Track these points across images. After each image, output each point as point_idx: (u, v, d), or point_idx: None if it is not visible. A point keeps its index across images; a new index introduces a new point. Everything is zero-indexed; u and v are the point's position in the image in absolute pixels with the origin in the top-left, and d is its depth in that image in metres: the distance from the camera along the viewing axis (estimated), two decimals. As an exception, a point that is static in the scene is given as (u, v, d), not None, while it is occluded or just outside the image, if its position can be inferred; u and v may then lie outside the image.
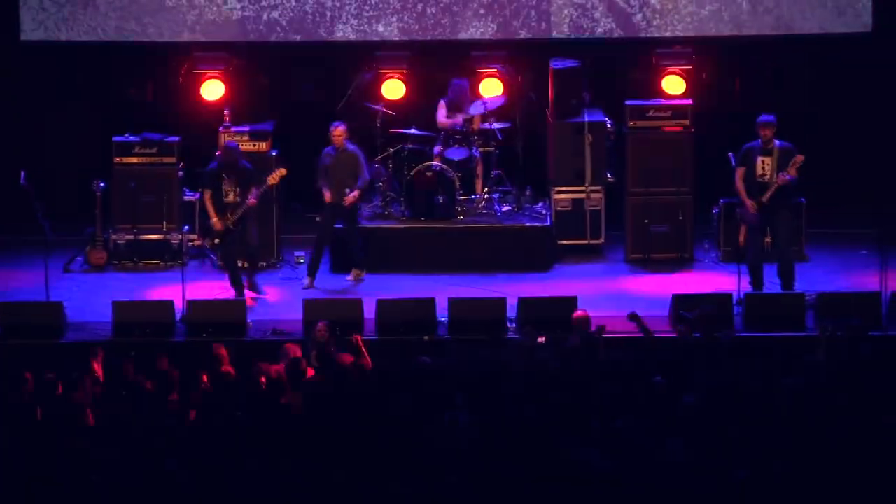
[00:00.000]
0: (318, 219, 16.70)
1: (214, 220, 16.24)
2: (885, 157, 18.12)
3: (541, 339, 13.66)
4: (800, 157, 15.63)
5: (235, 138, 17.02)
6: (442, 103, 17.63)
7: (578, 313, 14.14)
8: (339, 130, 16.54)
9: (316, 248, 16.55)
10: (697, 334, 13.69)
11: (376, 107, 17.53)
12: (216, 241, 16.32)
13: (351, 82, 17.76)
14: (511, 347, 13.93)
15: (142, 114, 18.12)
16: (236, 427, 11.23)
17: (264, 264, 16.91)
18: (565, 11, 17.88)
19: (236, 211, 16.20)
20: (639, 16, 17.90)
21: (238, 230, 16.28)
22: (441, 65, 18.00)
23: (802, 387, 11.47)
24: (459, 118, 17.49)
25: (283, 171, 16.46)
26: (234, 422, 11.38)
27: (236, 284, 16.23)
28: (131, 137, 17.42)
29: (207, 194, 16.34)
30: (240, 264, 16.30)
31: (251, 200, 16.17)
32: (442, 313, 15.25)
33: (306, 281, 16.47)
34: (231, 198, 16.27)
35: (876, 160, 18.09)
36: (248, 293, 16.18)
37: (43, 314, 15.26)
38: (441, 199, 17.11)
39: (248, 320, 15.28)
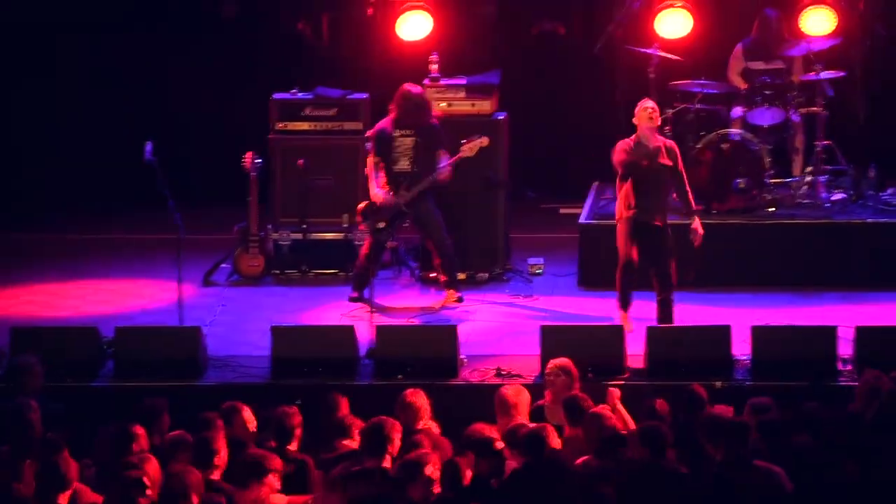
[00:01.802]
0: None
1: (377, 192, 16.31)
2: None
3: None
4: None
5: (445, 95, 17.14)
6: (739, 49, 17.48)
7: None
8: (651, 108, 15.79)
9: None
10: None
11: (649, 50, 17.34)
12: (380, 224, 16.37)
13: (613, 15, 17.71)
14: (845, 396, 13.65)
15: (314, 60, 18.36)
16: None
17: (486, 276, 17.08)
18: None
19: (414, 185, 16.29)
20: None
21: (415, 213, 16.36)
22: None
23: None
24: (769, 66, 17.15)
25: (485, 139, 16.45)
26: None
27: (358, 286, 16.38)
28: (300, 95, 17.59)
29: (373, 160, 16.48)
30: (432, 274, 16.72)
31: (441, 174, 16.22)
32: (742, 347, 14.88)
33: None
34: (406, 166, 16.37)
35: None
36: (350, 303, 16.38)
37: (173, 343, 15.15)
38: (742, 182, 16.95)
39: (462, 355, 14.97)
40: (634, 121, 15.61)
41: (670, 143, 15.64)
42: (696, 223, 15.35)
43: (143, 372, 14.83)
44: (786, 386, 14.27)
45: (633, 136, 15.51)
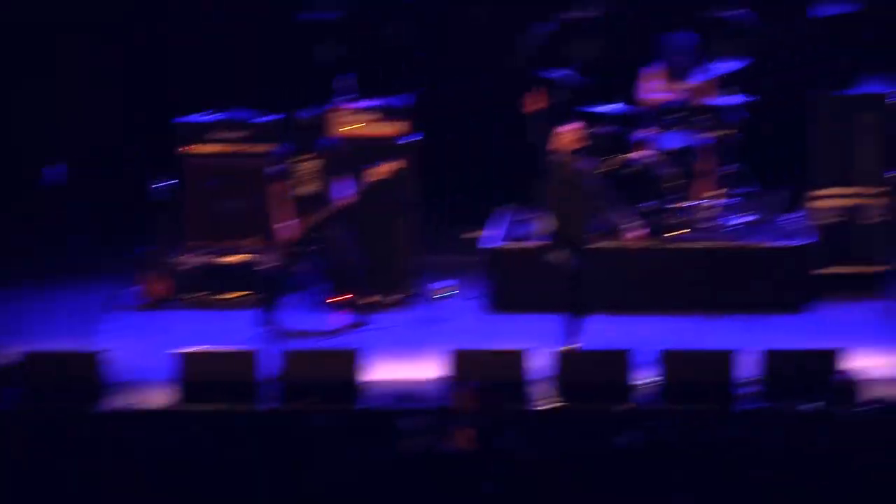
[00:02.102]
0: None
1: (286, 226, 16.46)
2: None
3: (805, 407, 13.58)
4: None
5: (357, 117, 17.23)
6: (650, 69, 17.50)
7: (845, 374, 14.11)
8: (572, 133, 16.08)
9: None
10: None
11: (558, 74, 17.38)
12: (291, 251, 16.52)
13: (523, 40, 17.83)
14: (757, 419, 13.85)
15: (219, 82, 18.64)
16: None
17: (395, 298, 17.27)
18: None
19: (321, 211, 16.39)
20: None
21: (321, 238, 16.49)
22: (653, 13, 18.10)
23: None
24: (679, 89, 17.33)
25: (399, 163, 16.61)
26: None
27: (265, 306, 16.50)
28: (205, 117, 17.64)
29: (279, 189, 16.52)
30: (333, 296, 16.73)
31: (345, 198, 16.29)
32: (647, 370, 14.93)
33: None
34: (309, 190, 16.53)
35: None
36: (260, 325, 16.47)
37: (78, 367, 15.22)
38: (648, 205, 17.02)
39: (366, 378, 15.10)
40: (559, 145, 15.77)
41: (584, 165, 15.78)
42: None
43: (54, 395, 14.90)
44: (691, 410, 14.43)
45: (562, 159, 15.71)
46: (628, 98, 17.44)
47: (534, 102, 16.44)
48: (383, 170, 16.44)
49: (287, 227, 16.49)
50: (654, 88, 17.38)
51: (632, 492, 11.83)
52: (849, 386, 14.02)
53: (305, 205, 16.49)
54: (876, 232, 17.44)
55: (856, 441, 12.65)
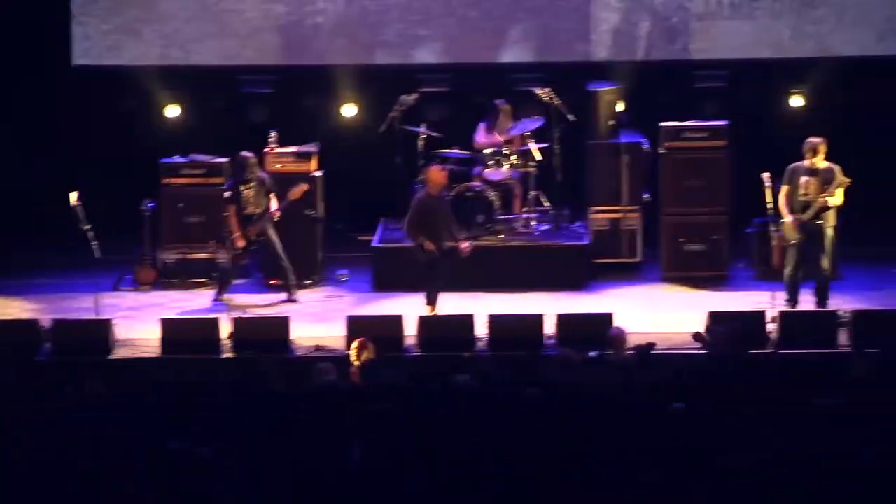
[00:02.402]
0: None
1: (236, 235, 16.22)
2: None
3: (592, 354, 13.37)
4: (846, 180, 15.39)
5: (281, 159, 16.92)
6: (482, 125, 17.39)
7: (616, 329, 13.82)
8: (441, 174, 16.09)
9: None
10: (725, 351, 13.35)
11: (418, 129, 17.35)
12: (238, 251, 16.29)
13: (393, 105, 17.38)
14: (552, 363, 13.46)
15: (188, 135, 17.84)
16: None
17: (309, 282, 16.82)
18: (605, 35, 17.73)
19: (258, 223, 16.23)
20: (679, 40, 17.70)
21: (261, 246, 16.32)
22: (482, 87, 17.73)
23: (843, 404, 11.07)
24: (498, 138, 17.24)
25: (305, 186, 16.37)
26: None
27: (221, 288, 16.33)
28: (179, 159, 17.25)
29: (231, 209, 16.31)
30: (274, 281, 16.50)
31: (273, 212, 16.17)
32: (482, 330, 15.01)
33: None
34: (251, 210, 16.28)
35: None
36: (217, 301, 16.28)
37: (93, 332, 15.06)
38: (480, 218, 16.89)
39: (292, 337, 14.99)
40: (427, 179, 15.94)
41: (442, 193, 16.08)
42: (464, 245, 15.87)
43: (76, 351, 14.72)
44: (511, 355, 14.40)
45: (429, 189, 15.86)
46: (468, 144, 17.40)
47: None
48: (297, 192, 16.37)
49: (236, 234, 16.38)
50: (485, 137, 17.35)
51: (466, 420, 11.18)
52: (618, 338, 13.60)
53: (247, 219, 16.38)
54: (633, 235, 17.18)
55: (621, 377, 12.62)
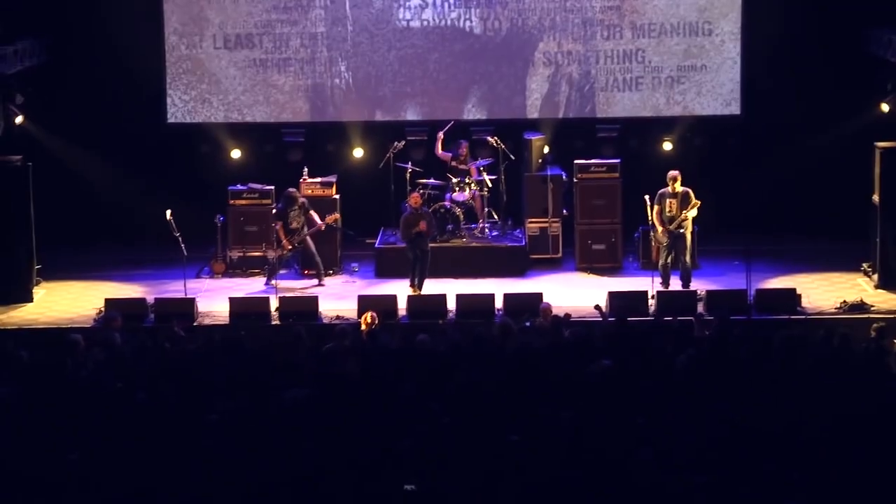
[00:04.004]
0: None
1: (284, 241, 16.49)
2: (755, 197, 17.79)
3: (528, 324, 13.41)
4: (697, 202, 16.03)
5: (310, 186, 17.05)
6: (448, 156, 17.23)
7: (544, 304, 13.95)
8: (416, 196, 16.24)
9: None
10: (611, 318, 13.62)
11: (405, 165, 17.50)
12: (283, 255, 16.46)
13: (388, 149, 17.42)
14: (499, 327, 12.94)
15: (246, 171, 17.86)
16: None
17: (331, 271, 16.86)
18: (536, 100, 17.76)
19: (298, 234, 16.41)
20: (588, 104, 17.84)
21: (301, 248, 16.52)
22: (450, 135, 17.52)
23: (694, 357, 11.11)
24: (449, 155, 17.14)
25: (336, 215, 16.63)
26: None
27: (270, 276, 16.18)
28: (240, 187, 17.40)
29: (279, 224, 16.56)
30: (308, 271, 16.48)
31: (320, 224, 16.32)
32: (452, 304, 15.22)
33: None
34: (295, 225, 16.51)
35: (747, 200, 17.76)
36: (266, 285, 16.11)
37: (183, 306, 15.21)
38: (450, 227, 17.08)
39: (320, 310, 15.16)
40: (411, 201, 16.05)
41: (423, 210, 16.27)
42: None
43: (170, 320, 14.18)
44: (470, 322, 14.12)
45: (413, 208, 15.97)
46: (442, 175, 17.15)
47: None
48: (332, 218, 16.48)
49: (283, 241, 16.42)
50: (440, 154, 17.08)
51: (435, 374, 10.73)
52: (546, 311, 13.53)
53: (292, 231, 16.50)
54: (556, 238, 17.01)
55: (546, 342, 12.16)
